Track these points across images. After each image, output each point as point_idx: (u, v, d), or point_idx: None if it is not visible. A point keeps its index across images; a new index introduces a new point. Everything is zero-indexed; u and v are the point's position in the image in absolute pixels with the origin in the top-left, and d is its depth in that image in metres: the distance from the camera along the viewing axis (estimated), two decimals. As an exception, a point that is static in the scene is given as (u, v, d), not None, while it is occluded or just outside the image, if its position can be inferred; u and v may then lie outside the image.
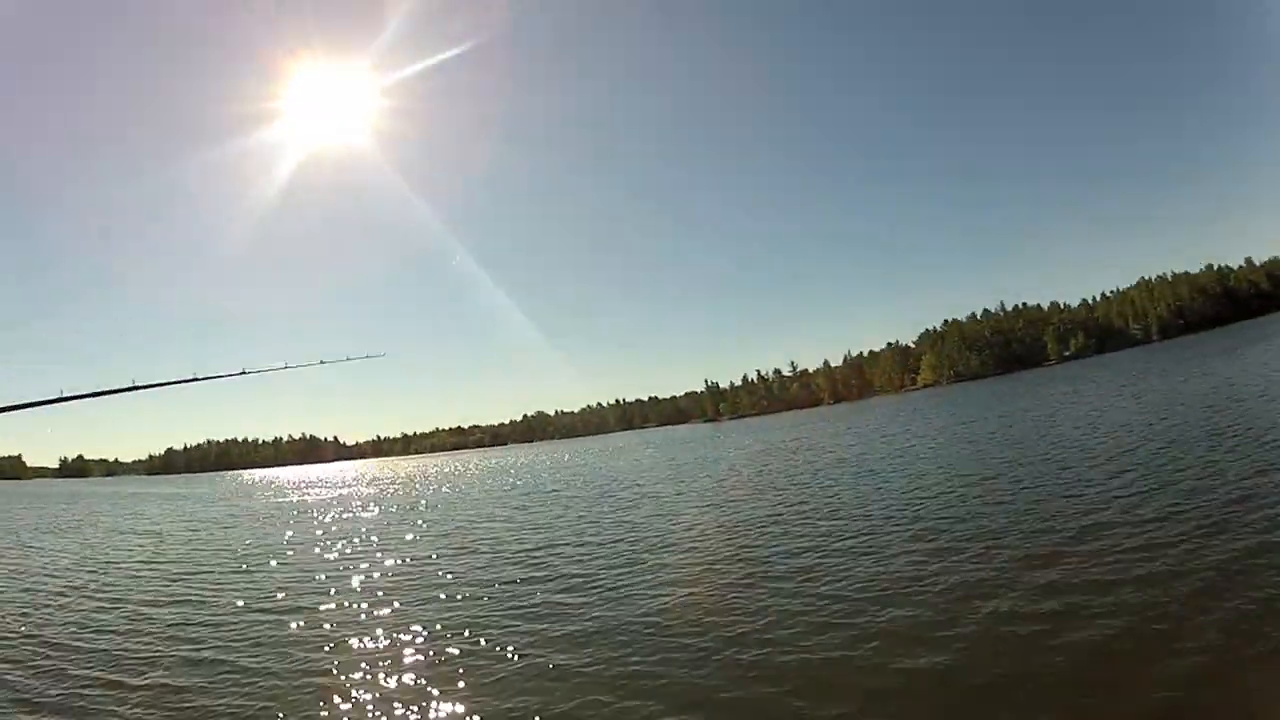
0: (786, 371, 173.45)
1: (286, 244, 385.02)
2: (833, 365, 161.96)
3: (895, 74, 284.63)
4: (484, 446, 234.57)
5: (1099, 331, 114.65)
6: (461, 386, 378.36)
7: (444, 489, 38.90)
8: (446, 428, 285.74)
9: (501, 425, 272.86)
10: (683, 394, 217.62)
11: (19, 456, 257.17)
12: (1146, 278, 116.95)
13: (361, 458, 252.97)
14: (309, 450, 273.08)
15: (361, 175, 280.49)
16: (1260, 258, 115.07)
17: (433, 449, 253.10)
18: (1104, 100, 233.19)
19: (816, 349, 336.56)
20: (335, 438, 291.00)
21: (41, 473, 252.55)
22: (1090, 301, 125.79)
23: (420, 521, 22.98)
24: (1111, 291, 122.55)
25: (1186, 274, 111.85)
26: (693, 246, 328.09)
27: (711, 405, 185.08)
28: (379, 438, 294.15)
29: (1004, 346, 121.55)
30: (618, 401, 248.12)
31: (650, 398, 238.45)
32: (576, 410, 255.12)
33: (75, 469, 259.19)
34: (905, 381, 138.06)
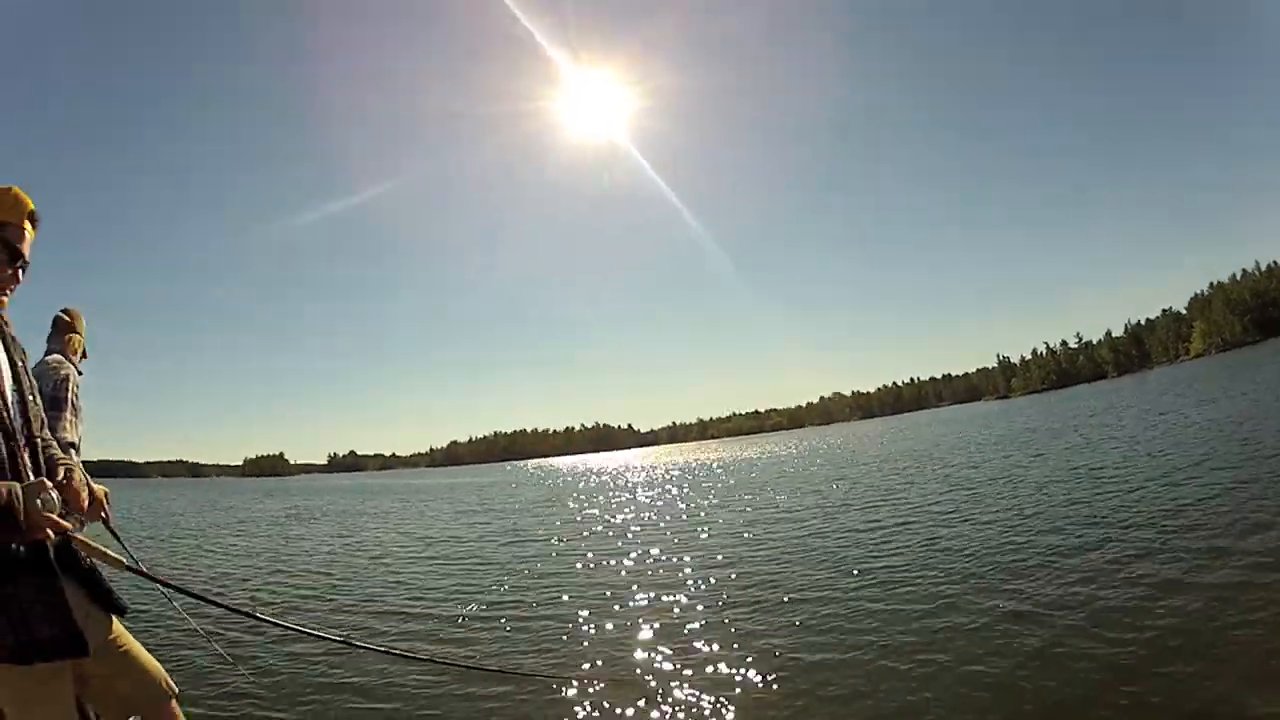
0: (1072, 343, 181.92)
1: (565, 233, 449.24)
2: (1114, 335, 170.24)
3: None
4: (782, 429, 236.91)
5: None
6: (755, 371, 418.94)
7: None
8: (744, 412, 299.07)
9: (798, 408, 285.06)
10: (975, 370, 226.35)
11: (281, 455, 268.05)
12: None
13: (656, 444, 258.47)
14: (602, 438, 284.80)
15: (624, 171, 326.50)
16: None
17: (729, 434, 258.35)
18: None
19: (1101, 316, 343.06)
20: (629, 425, 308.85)
21: (308, 469, 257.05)
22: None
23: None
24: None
25: None
26: (982, 217, 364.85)
27: (1004, 381, 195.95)
28: (674, 424, 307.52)
29: (1262, 310, 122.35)
30: (912, 380, 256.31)
31: (944, 375, 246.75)
32: (872, 390, 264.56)
33: (347, 464, 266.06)
34: (1179, 350, 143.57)
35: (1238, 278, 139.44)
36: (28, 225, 2.26)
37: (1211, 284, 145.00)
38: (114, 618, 2.49)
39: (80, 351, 3.87)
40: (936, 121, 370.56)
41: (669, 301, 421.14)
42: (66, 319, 3.89)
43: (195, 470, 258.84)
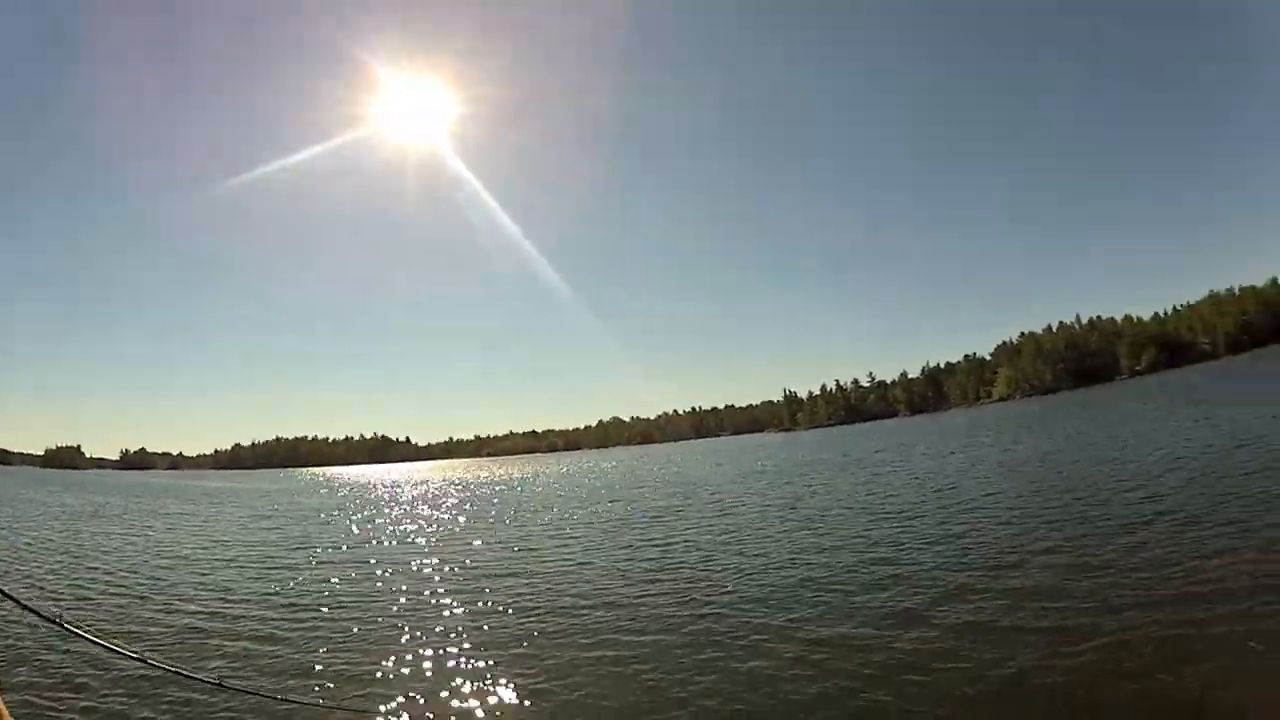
0: (864, 382, 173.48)
1: (370, 241, 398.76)
2: (910, 377, 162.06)
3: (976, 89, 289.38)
4: (557, 451, 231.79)
5: (1169, 345, 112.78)
6: (536, 390, 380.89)
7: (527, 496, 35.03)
8: (520, 431, 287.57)
9: (576, 430, 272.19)
10: (759, 403, 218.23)
11: (78, 447, 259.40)
12: (1216, 291, 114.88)
13: (432, 459, 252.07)
14: (381, 450, 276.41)
15: (441, 178, 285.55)
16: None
17: (505, 452, 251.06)
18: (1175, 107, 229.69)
19: (896, 361, 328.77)
20: (408, 438, 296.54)
21: (101, 464, 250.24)
22: (1162, 315, 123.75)
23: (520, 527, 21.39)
24: (1182, 305, 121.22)
25: (1253, 288, 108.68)
26: (773, 254, 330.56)
27: (788, 415, 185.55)
28: (451, 439, 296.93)
29: (1078, 360, 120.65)
30: (694, 409, 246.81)
31: (726, 405, 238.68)
32: (652, 416, 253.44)
33: (138, 462, 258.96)
34: (980, 394, 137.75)
35: (1053, 329, 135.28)
36: None
37: (1022, 334, 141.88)
38: None
39: None
40: (761, 137, 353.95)
41: (469, 314, 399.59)
42: None
43: (3, 458, 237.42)
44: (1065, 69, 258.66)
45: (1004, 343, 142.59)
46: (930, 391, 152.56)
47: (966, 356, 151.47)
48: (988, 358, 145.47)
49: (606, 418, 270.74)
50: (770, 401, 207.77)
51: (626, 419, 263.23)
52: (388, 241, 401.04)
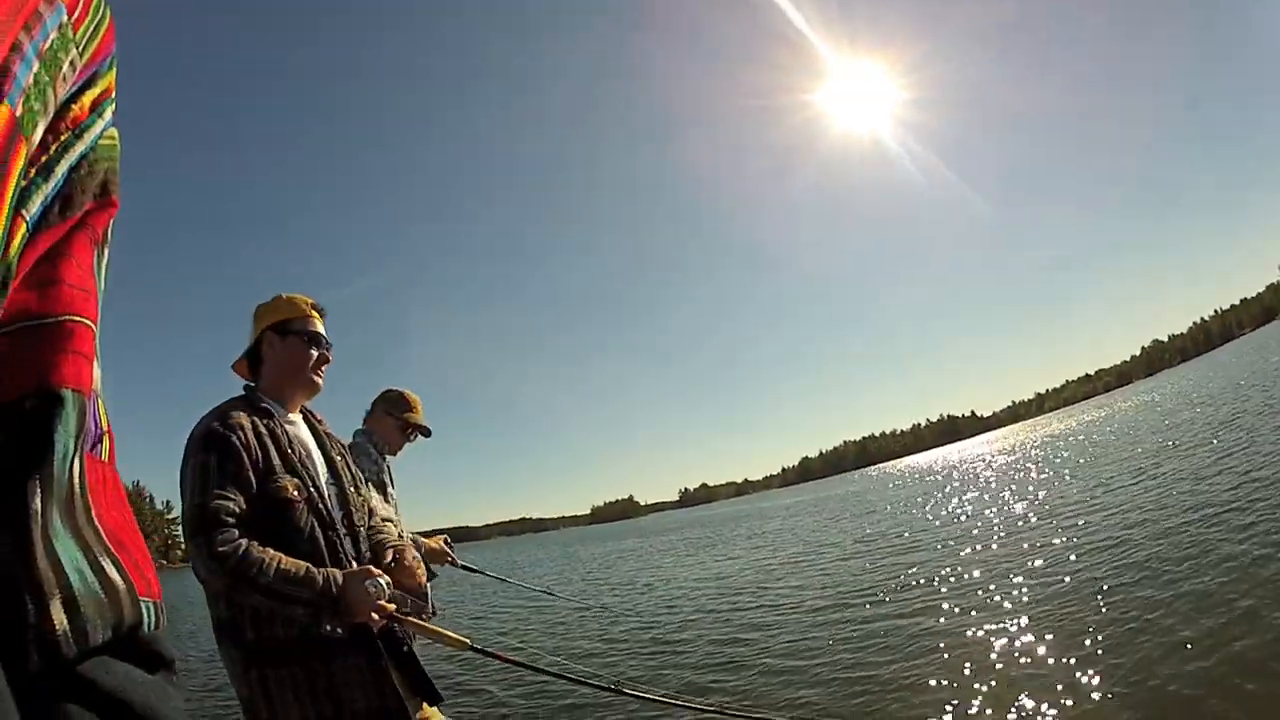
0: None
1: (832, 213, 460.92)
2: None
3: None
4: (1114, 389, 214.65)
5: None
6: (1066, 337, 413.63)
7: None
8: (1074, 379, 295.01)
9: (1124, 363, 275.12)
10: (1266, 287, 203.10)
11: (630, 498, 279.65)
12: None
13: (999, 427, 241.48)
14: (948, 429, 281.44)
15: (889, 163, 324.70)
16: None
17: (1065, 403, 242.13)
18: None
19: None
20: (972, 412, 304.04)
21: (659, 508, 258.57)
22: None
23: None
24: None
25: None
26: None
27: None
28: (1014, 403, 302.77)
29: None
30: (1216, 311, 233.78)
31: (1241, 300, 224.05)
32: (1185, 330, 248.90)
33: (700, 497, 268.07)
34: None
35: None
36: (315, 315, 2.28)
37: None
38: (424, 705, 2.31)
39: (410, 428, 3.41)
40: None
41: (970, 290, 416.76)
42: (397, 400, 3.44)
43: (538, 526, 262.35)
44: None
45: None
46: None
47: None
48: None
49: (1147, 343, 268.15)
50: (1275, 284, 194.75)
51: (1164, 339, 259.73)
52: (863, 228, 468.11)
